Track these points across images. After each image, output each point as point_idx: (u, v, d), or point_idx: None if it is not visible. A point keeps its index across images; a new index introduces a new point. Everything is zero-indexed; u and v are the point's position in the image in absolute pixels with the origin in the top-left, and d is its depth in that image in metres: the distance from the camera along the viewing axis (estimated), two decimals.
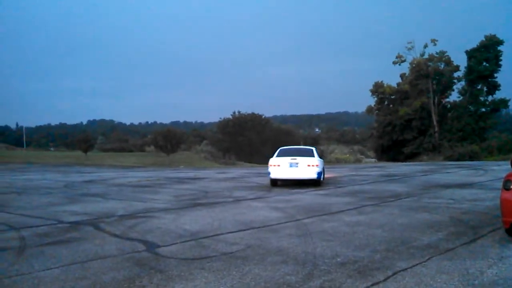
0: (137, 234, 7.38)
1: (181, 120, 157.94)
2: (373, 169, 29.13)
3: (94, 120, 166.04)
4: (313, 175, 16.06)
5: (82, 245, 6.60)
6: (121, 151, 69.34)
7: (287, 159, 16.21)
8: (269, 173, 16.51)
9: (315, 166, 16.10)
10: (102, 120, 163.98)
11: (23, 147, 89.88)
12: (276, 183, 16.87)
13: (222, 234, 7.38)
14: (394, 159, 54.78)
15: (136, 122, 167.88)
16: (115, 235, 7.32)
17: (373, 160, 59.73)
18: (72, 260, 5.67)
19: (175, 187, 16.90)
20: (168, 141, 48.53)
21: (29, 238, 7.12)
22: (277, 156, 16.84)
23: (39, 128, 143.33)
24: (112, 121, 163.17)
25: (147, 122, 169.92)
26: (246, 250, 6.20)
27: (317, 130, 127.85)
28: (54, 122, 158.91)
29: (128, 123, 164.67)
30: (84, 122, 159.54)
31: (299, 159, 16.12)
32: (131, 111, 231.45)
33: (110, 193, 14.72)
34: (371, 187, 15.83)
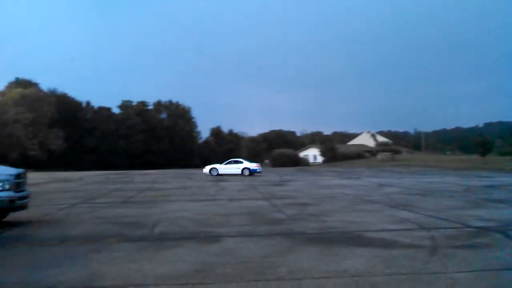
0: None
1: None
2: None
3: (491, 123, 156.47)
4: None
5: (492, 252, 6.41)
6: None
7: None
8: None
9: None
10: (499, 122, 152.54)
11: (421, 150, 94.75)
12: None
13: None
14: None
15: None
16: None
17: None
18: (483, 267, 5.60)
19: None
20: None
21: (439, 238, 7.47)
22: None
23: (435, 133, 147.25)
24: (509, 122, 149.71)
25: None
26: None
27: None
28: (450, 126, 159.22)
29: None
30: (480, 125, 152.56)
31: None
32: None
33: None
34: None
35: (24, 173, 10.22)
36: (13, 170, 9.77)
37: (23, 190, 9.88)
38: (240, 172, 34.64)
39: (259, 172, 35.59)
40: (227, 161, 36.84)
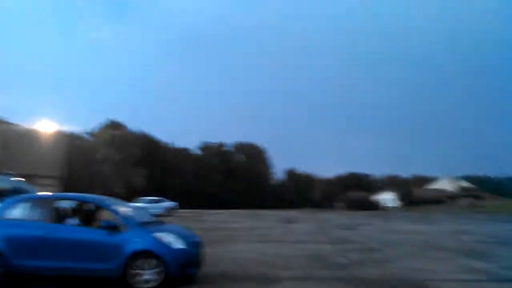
0: None
1: None
2: None
3: None
4: None
5: None
6: None
7: None
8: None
9: None
10: None
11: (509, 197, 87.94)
12: None
13: None
14: None
15: None
16: None
17: None
18: None
19: None
20: None
21: None
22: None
23: None
24: None
25: None
26: None
27: None
28: None
29: None
30: None
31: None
32: None
33: None
34: None
35: None
36: None
37: None
38: (163, 211, 34.28)
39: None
40: (150, 199, 36.06)
